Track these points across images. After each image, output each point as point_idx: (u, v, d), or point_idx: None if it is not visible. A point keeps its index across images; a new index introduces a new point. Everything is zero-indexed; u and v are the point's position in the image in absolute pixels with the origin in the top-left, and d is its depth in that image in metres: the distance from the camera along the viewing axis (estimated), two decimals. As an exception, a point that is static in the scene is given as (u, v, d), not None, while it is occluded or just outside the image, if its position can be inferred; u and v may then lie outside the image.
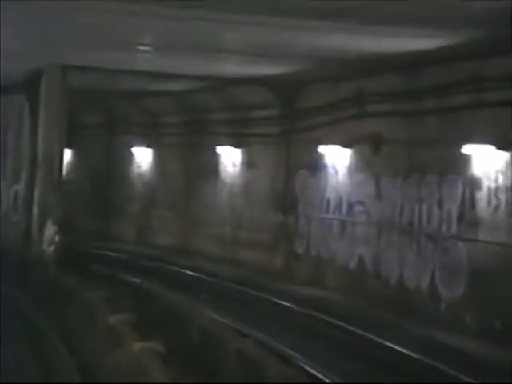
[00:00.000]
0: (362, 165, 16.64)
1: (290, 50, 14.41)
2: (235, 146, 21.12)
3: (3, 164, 20.78)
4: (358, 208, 16.71)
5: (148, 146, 24.98)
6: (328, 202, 17.75)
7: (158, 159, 24.80)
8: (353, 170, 16.94)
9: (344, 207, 17.16)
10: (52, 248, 18.26)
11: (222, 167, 21.91)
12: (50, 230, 18.38)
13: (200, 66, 17.35)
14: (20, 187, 19.85)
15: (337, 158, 17.51)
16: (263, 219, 20.05)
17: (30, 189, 19.16)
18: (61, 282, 13.69)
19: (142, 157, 25.48)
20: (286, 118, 19.32)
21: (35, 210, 18.68)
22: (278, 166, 19.63)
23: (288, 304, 16.02)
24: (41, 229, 18.33)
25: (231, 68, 17.33)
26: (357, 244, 16.58)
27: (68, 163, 27.34)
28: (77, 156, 27.76)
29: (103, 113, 26.76)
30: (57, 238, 18.31)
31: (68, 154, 27.32)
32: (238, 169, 21.25)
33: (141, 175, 25.61)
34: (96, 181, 26.89)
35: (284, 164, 19.46)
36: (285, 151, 19.40)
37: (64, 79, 18.38)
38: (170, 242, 23.74)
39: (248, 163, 20.79)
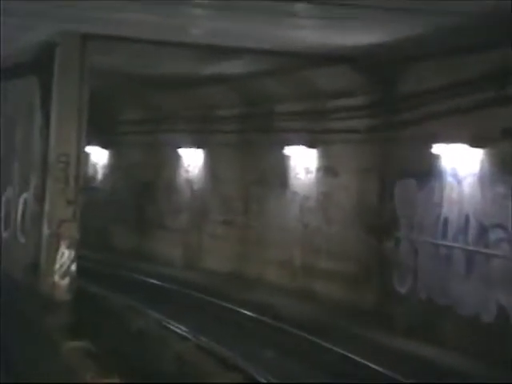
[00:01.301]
0: (501, 171, 12.00)
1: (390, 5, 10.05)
2: (309, 146, 17.19)
3: (8, 167, 16.53)
4: (495, 234, 12.06)
5: (198, 146, 21.65)
6: (446, 223, 13.14)
7: (211, 162, 21.28)
8: (486, 180, 12.32)
9: (472, 232, 12.54)
10: (67, 281, 13.96)
11: (291, 173, 17.97)
12: (65, 256, 14.13)
13: (264, 35, 13.13)
14: (29, 196, 15.45)
15: (460, 162, 12.86)
16: (347, 243, 15.88)
17: (40, 200, 14.82)
18: (59, 350, 9.23)
19: (191, 159, 22.13)
20: (382, 108, 14.91)
21: (45, 228, 14.20)
22: (370, 173, 15.41)
23: (383, 370, 11.61)
24: (52, 254, 13.99)
25: (305, 37, 13.04)
26: (494, 287, 11.96)
27: (100, 167, 25.69)
28: (111, 158, 25.35)
29: (143, 104, 23.41)
30: (73, 267, 14.02)
31: (100, 156, 25.63)
32: (312, 176, 17.25)
33: (189, 182, 22.17)
34: (134, 188, 24.08)
35: (378, 170, 15.19)
36: (379, 153, 15.10)
37: (85, 54, 14.07)
38: (224, 267, 20.10)
39: (327, 168, 16.76)
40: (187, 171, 22.13)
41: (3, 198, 17.00)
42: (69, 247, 14.09)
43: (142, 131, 23.62)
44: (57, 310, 12.47)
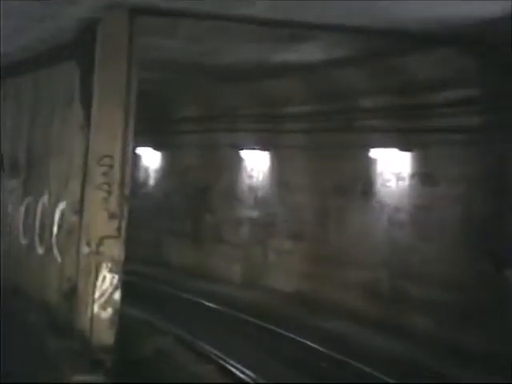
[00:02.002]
0: None
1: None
2: (402, 149, 14.83)
3: (44, 171, 14.23)
4: None
5: (263, 148, 19.80)
6: None
7: (278, 166, 19.21)
8: None
9: None
10: (108, 313, 11.63)
11: (378, 180, 15.58)
12: (106, 281, 11.75)
13: (347, 7, 10.50)
14: (67, 206, 13.07)
15: None
16: (450, 267, 13.31)
17: (79, 211, 12.35)
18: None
19: (255, 162, 20.27)
20: (502, 100, 12.21)
21: (83, 246, 11.75)
22: (481, 182, 12.83)
23: None
24: (91, 279, 11.58)
25: (399, 10, 10.40)
26: None
27: (152, 170, 23.91)
28: (165, 161, 23.54)
29: (201, 99, 21.42)
30: (117, 295, 11.68)
31: (152, 158, 23.87)
32: (405, 184, 14.82)
33: (252, 188, 20.18)
34: (189, 195, 22.14)
35: (493, 178, 12.57)
36: (496, 156, 12.48)
37: (134, 34, 11.50)
38: (291, 288, 17.81)
39: (424, 175, 14.32)
40: (250, 176, 20.14)
41: (39, 207, 14.65)
42: (111, 270, 11.58)
43: (199, 130, 21.68)
44: (92, 360, 9.92)
